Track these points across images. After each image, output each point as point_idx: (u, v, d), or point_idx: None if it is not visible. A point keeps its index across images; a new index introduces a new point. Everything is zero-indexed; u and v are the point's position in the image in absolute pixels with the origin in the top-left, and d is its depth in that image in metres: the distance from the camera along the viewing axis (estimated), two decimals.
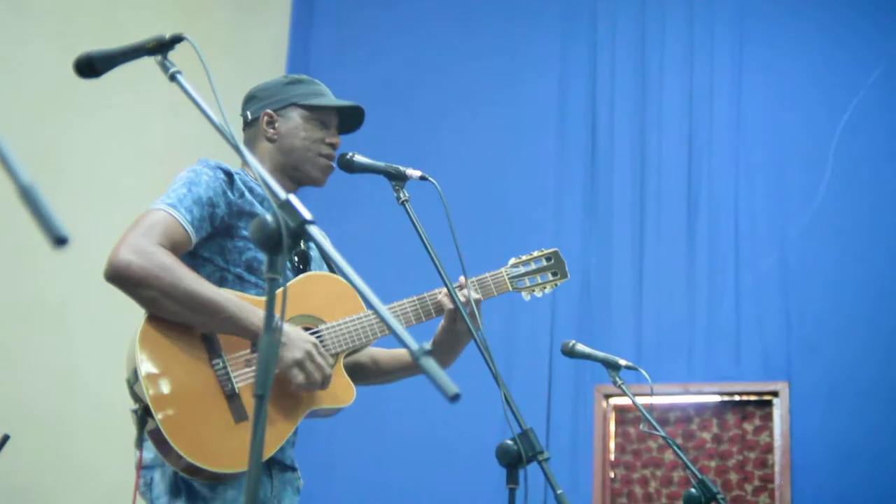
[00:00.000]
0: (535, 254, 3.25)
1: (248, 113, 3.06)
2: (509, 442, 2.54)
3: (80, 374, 5.66)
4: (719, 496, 3.36)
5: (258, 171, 1.96)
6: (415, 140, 7.08)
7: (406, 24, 7.47)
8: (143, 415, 2.59)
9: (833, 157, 6.23)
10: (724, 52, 6.60)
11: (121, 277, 2.60)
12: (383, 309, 1.79)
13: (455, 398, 1.62)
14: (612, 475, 6.23)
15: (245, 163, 1.98)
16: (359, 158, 2.99)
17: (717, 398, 6.20)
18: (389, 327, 1.74)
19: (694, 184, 6.49)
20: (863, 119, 6.24)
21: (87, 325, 5.45)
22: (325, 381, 2.74)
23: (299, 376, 2.69)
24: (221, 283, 2.79)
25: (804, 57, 6.49)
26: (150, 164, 6.17)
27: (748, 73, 6.54)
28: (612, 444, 6.28)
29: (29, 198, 1.29)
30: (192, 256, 2.80)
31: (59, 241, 1.27)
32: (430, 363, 1.67)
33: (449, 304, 2.98)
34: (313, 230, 1.85)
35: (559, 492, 2.49)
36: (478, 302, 3.00)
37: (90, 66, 2.23)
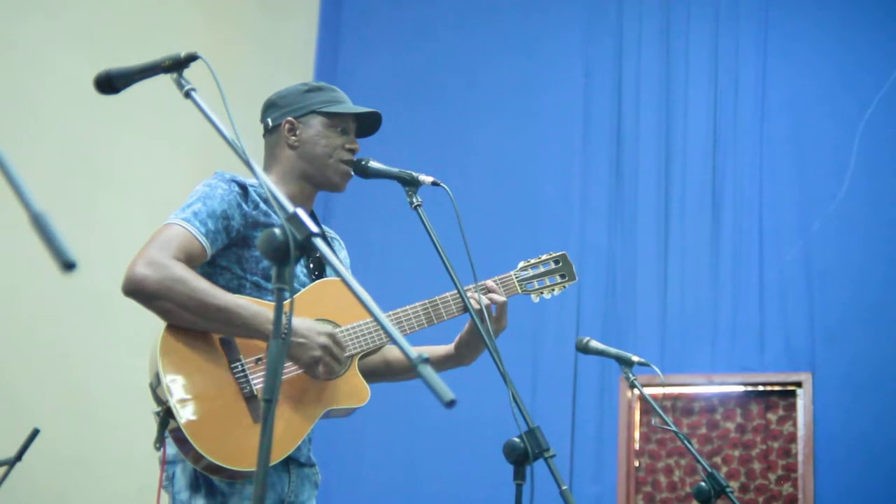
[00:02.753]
0: (544, 257, 3.33)
1: (269, 120, 3.14)
2: (516, 439, 2.63)
3: (108, 368, 5.77)
4: (728, 490, 3.42)
5: (266, 185, 2.05)
6: (440, 137, 7.16)
7: (433, 21, 7.52)
8: (166, 417, 2.71)
9: (857, 151, 6.25)
10: (748, 46, 6.63)
11: (137, 291, 2.73)
12: (383, 317, 1.88)
13: (451, 404, 1.70)
14: (636, 464, 6.30)
15: (255, 176, 2.06)
16: (373, 164, 3.07)
17: (742, 388, 6.25)
18: (389, 335, 1.83)
19: (718, 177, 6.53)
20: (887, 113, 6.26)
21: (116, 319, 5.57)
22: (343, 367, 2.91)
23: (321, 372, 2.84)
24: (239, 290, 2.90)
25: (829, 51, 6.52)
26: (187, 162, 6.26)
27: (772, 68, 6.56)
28: (636, 434, 6.34)
29: (40, 225, 1.38)
30: (210, 266, 2.91)
31: (68, 265, 1.36)
32: (428, 371, 1.76)
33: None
34: (319, 243, 1.94)
35: (564, 488, 2.57)
36: (489, 306, 3.10)
37: (109, 83, 2.34)
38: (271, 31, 7.33)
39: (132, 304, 2.81)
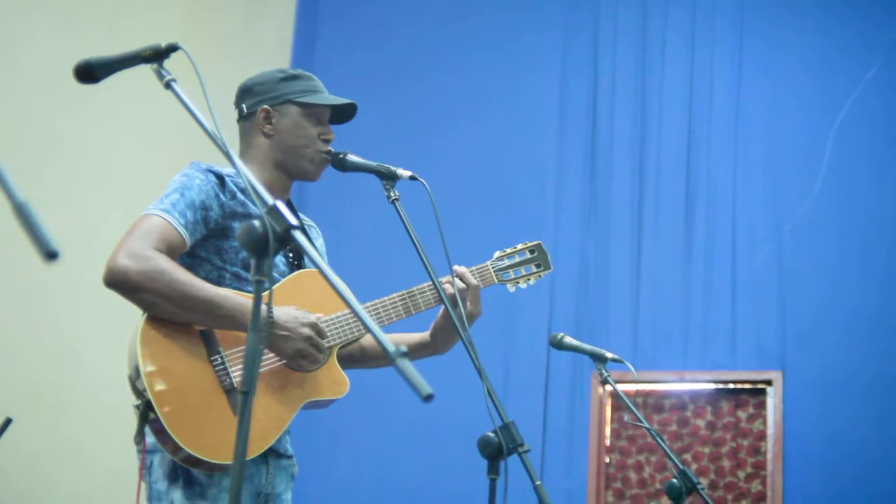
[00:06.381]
0: (519, 246, 3.33)
1: (244, 106, 3.12)
2: (491, 434, 2.64)
3: (81, 358, 5.75)
4: (699, 486, 3.45)
5: (246, 176, 2.04)
6: (416, 132, 7.15)
7: (410, 15, 7.51)
8: (145, 410, 2.69)
9: (830, 151, 6.29)
10: (724, 46, 6.66)
11: (119, 283, 2.71)
12: (361, 309, 1.88)
13: (428, 398, 1.71)
14: (607, 460, 6.32)
15: (234, 167, 2.06)
16: (351, 158, 3.07)
17: (712, 386, 6.29)
18: (367, 328, 1.83)
19: (692, 176, 6.56)
20: (860, 113, 6.31)
21: (90, 310, 5.55)
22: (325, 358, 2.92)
23: (305, 364, 2.86)
24: (219, 281, 2.90)
25: (803, 52, 6.56)
26: (160, 152, 6.23)
27: (747, 67, 6.60)
28: (607, 430, 6.37)
29: (23, 215, 1.39)
30: (190, 257, 2.90)
31: (50, 255, 1.36)
32: (406, 365, 1.76)
33: (452, 290, 3.07)
34: (298, 235, 1.94)
35: (537, 483, 2.59)
36: (465, 291, 3.10)
37: (89, 73, 2.33)
38: (248, 24, 7.31)
39: (104, 293, 2.79)
